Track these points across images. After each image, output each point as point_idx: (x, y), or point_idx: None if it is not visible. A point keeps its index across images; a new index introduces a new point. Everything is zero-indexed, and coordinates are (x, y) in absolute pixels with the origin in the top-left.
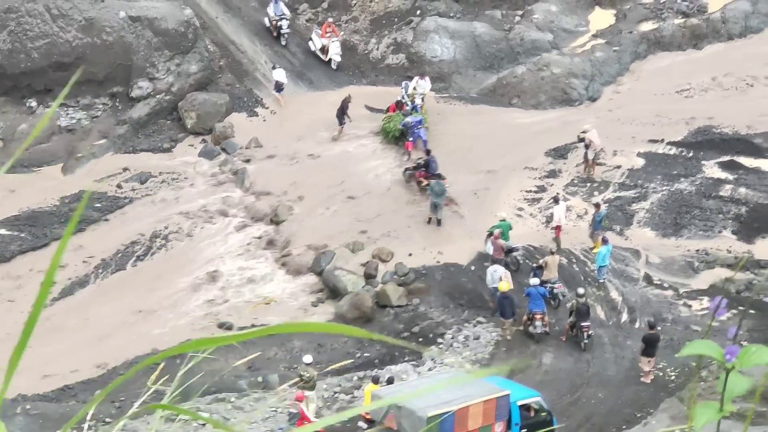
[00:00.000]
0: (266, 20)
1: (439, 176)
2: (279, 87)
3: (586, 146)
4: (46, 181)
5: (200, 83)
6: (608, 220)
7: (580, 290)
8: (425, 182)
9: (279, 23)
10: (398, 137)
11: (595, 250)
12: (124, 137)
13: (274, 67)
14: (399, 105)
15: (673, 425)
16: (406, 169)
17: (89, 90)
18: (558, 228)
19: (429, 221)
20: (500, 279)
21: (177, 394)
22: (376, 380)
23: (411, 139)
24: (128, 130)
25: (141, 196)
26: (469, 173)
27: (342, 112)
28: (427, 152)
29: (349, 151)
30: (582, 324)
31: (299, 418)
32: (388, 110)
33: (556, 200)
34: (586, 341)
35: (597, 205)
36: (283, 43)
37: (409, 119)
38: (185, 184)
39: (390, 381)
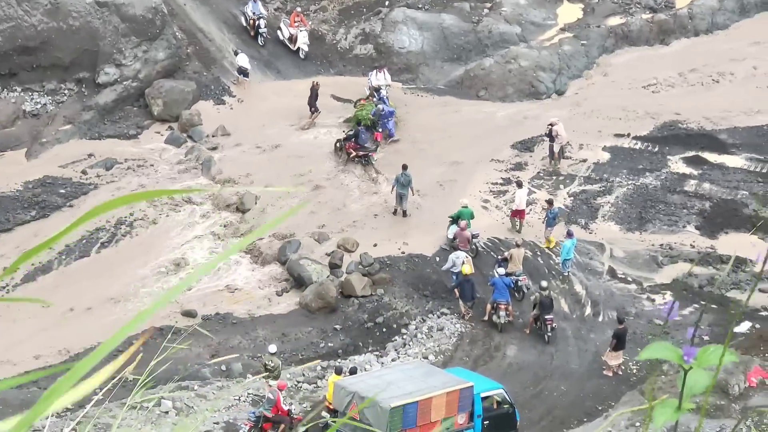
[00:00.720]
0: (242, 19)
1: (367, 149)
2: (242, 71)
3: (552, 139)
4: (9, 167)
5: (167, 70)
6: (563, 217)
7: (543, 283)
8: (354, 154)
9: (257, 22)
10: (369, 126)
11: (547, 247)
12: (90, 123)
13: (236, 53)
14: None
15: (634, 418)
16: (338, 141)
17: (55, 75)
18: (521, 213)
19: (395, 212)
20: (462, 263)
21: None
22: (339, 371)
23: (380, 129)
24: (94, 116)
25: (106, 182)
26: (435, 165)
27: (314, 100)
28: (358, 123)
29: (317, 140)
30: (545, 317)
31: (273, 405)
32: (357, 102)
33: (519, 184)
34: (549, 334)
35: (550, 202)
36: (261, 42)
37: (381, 107)
38: (151, 171)
39: (353, 371)
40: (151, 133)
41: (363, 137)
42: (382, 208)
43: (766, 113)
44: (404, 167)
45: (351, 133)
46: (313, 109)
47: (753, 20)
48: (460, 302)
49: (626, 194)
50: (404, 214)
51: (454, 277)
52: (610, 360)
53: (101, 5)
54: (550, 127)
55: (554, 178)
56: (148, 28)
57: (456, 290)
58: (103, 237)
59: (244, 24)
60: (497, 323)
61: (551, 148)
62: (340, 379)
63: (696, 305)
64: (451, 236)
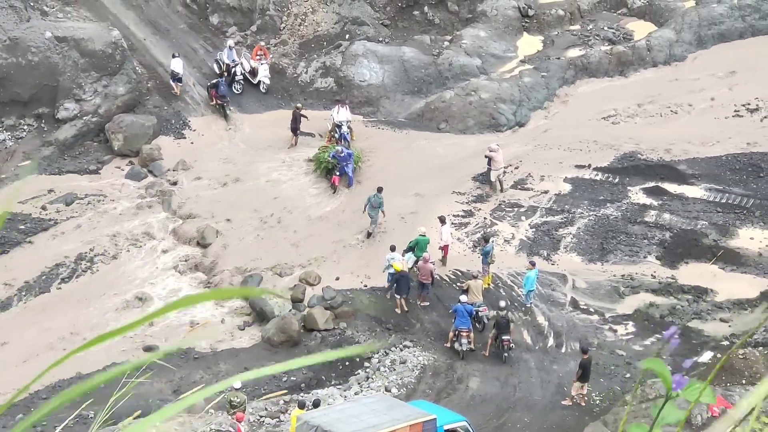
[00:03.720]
0: (215, 66)
1: (225, 99)
2: (175, 77)
3: (489, 165)
4: None
5: (128, 105)
6: (493, 256)
7: (502, 303)
8: (215, 101)
9: (233, 69)
10: (330, 169)
11: (484, 285)
12: (50, 159)
13: (174, 56)
14: (334, 138)
15: None
16: (209, 85)
17: (14, 110)
18: (445, 248)
19: (368, 236)
20: (395, 260)
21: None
22: (302, 405)
23: (338, 173)
24: (54, 151)
25: (66, 218)
26: (396, 197)
27: (296, 123)
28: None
29: (278, 174)
30: (503, 337)
31: None
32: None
33: (442, 221)
34: (506, 354)
35: (486, 239)
36: (238, 90)
37: (339, 148)
38: (111, 207)
39: (316, 404)
40: (112, 168)
41: (222, 89)
42: (344, 242)
43: (725, 144)
44: (379, 189)
45: (214, 81)
46: (297, 132)
47: (709, 51)
48: (397, 298)
49: (588, 225)
50: (368, 235)
51: (390, 277)
52: (576, 391)
53: (60, 40)
54: (489, 152)
55: (515, 209)
56: (107, 63)
57: (393, 288)
58: (64, 273)
59: (217, 71)
60: (459, 350)
61: (489, 174)
62: (302, 413)
63: (658, 336)
64: (409, 265)
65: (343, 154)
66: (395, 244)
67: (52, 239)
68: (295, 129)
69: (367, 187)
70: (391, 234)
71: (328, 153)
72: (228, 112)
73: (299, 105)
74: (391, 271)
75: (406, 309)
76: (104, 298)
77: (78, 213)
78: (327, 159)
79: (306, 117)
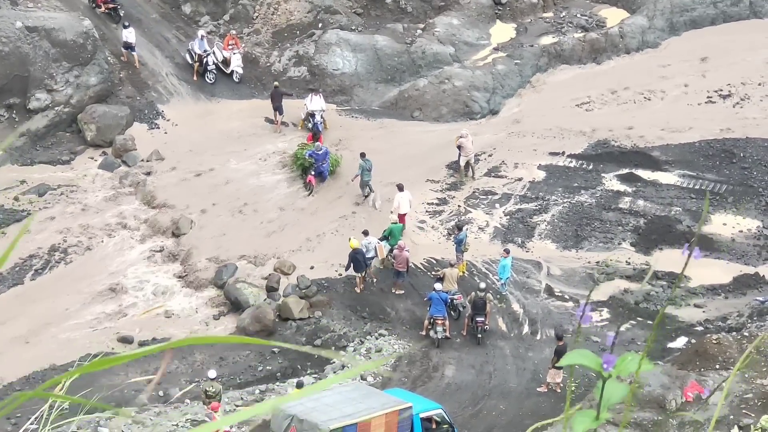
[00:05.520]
0: (188, 57)
1: (116, 2)
2: (128, 46)
3: (459, 151)
4: None
5: (100, 95)
6: (467, 244)
7: (482, 284)
8: (103, 8)
9: (205, 59)
10: (306, 168)
11: (459, 273)
12: (22, 149)
13: (125, 26)
14: (315, 137)
15: None
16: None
17: None
18: (401, 217)
19: (365, 198)
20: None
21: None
22: (300, 385)
23: (313, 173)
24: (26, 142)
25: (39, 208)
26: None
27: (277, 102)
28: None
29: (252, 164)
30: (477, 318)
31: None
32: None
33: (399, 188)
34: (480, 335)
35: (459, 227)
36: (211, 80)
37: (318, 145)
38: (85, 197)
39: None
40: (85, 158)
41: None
42: (319, 231)
43: (698, 130)
44: (362, 155)
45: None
46: (281, 111)
47: (681, 38)
48: (356, 276)
49: (562, 212)
50: (374, 206)
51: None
52: (552, 378)
53: (31, 30)
54: (459, 138)
55: (489, 197)
56: (79, 53)
57: (350, 266)
58: (37, 264)
59: (190, 62)
60: (434, 339)
61: (458, 161)
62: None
63: (633, 321)
64: (384, 253)
65: (321, 152)
66: (370, 232)
67: (25, 231)
68: (277, 108)
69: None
70: (366, 223)
71: (305, 151)
72: (120, 14)
73: (277, 83)
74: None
75: (362, 286)
76: (78, 289)
77: (51, 204)
78: (304, 157)
79: (290, 94)
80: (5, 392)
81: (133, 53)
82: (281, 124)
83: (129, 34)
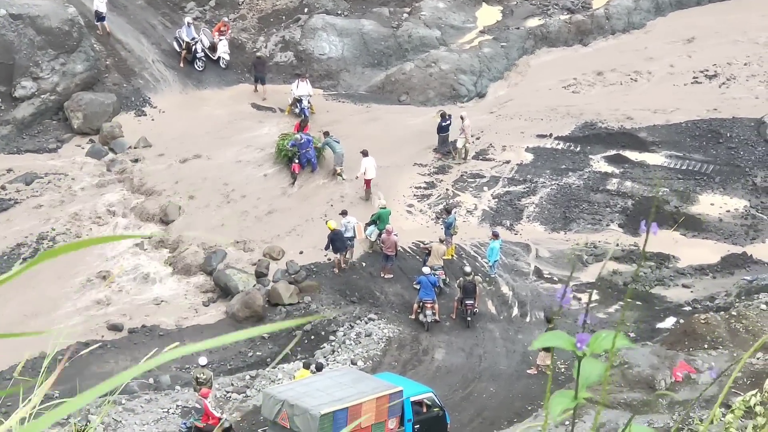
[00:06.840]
0: (175, 44)
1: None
2: (99, 16)
3: (462, 132)
4: None
5: (86, 83)
6: (456, 228)
7: (467, 268)
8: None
9: (194, 47)
10: (290, 158)
11: (446, 257)
12: (8, 138)
13: None
14: (303, 122)
15: (565, 417)
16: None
17: None
18: (367, 182)
19: (335, 174)
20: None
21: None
22: (307, 366)
23: (297, 161)
24: (12, 130)
25: (27, 197)
26: (358, 170)
27: (260, 72)
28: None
29: (240, 150)
30: (467, 302)
31: (203, 414)
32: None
33: (364, 153)
34: (469, 318)
35: (448, 210)
36: (200, 67)
37: (298, 136)
38: (72, 185)
39: (319, 368)
40: (72, 146)
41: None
42: (307, 216)
43: (684, 111)
44: (326, 134)
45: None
46: (264, 81)
47: (667, 19)
48: (336, 257)
49: (550, 194)
50: (334, 173)
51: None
52: (542, 360)
53: (15, 18)
54: (461, 119)
55: (477, 180)
56: (65, 40)
57: (329, 247)
58: (25, 252)
59: (178, 50)
60: (424, 322)
61: (455, 141)
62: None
63: (621, 303)
64: (373, 238)
65: (302, 141)
66: (357, 217)
67: (12, 219)
68: (259, 77)
69: (327, 167)
70: (354, 207)
71: (287, 141)
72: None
73: (260, 54)
74: (349, 234)
75: (344, 266)
76: (66, 277)
77: (38, 192)
78: (287, 147)
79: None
80: None
81: (104, 23)
82: (264, 93)
83: (100, 4)
